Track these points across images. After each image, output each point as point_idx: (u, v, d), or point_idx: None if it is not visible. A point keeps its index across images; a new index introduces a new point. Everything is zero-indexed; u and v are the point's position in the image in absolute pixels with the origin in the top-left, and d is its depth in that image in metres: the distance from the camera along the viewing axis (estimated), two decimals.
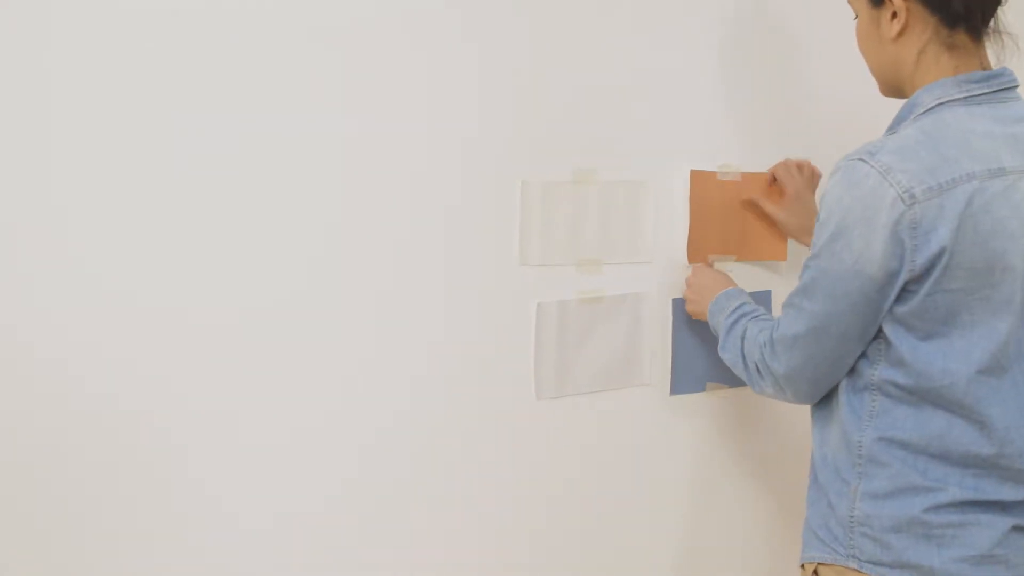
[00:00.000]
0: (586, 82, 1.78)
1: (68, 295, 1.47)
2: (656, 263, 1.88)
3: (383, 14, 1.62)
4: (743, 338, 1.61)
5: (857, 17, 1.52)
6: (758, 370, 1.56)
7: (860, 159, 1.38)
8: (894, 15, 1.44)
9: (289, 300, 1.60)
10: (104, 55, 1.46)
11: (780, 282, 2.00)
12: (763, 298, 1.98)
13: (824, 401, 1.53)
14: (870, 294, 1.39)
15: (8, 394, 1.46)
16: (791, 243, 1.98)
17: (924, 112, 1.43)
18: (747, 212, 1.94)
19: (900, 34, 1.45)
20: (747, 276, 1.96)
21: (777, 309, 1.99)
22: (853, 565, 1.44)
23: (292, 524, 1.63)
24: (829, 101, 2.01)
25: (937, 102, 1.42)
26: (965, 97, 1.42)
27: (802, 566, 1.54)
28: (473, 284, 1.73)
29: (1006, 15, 1.47)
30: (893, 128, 1.47)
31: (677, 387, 1.93)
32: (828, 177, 1.45)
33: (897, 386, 1.42)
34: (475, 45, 1.69)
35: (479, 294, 1.73)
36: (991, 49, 1.47)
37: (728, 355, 1.65)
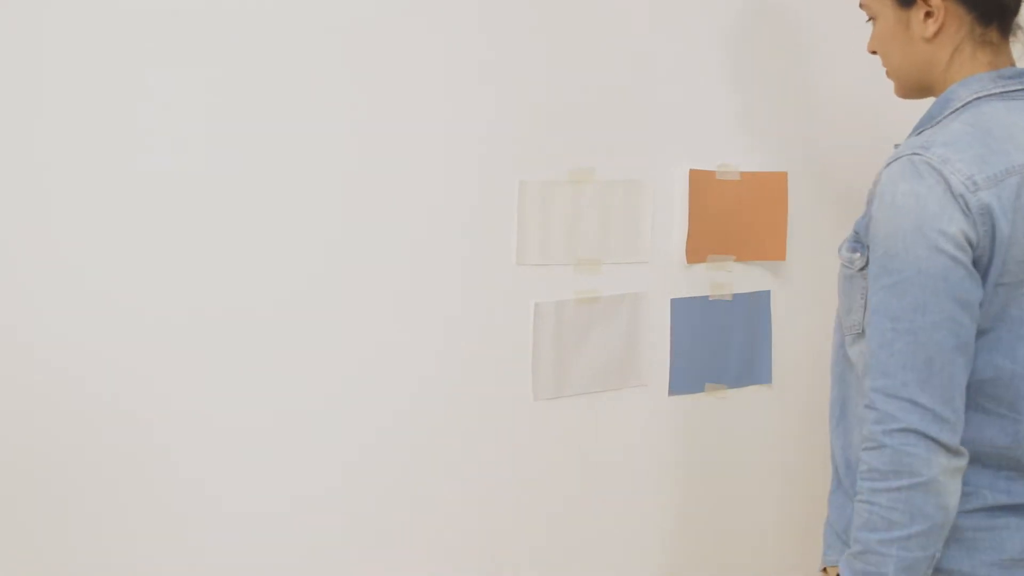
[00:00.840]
0: (585, 82, 1.78)
1: (68, 296, 1.47)
2: (654, 263, 1.88)
3: (383, 14, 1.62)
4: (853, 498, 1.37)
5: (876, 19, 1.49)
6: (877, 445, 1.28)
7: (914, 154, 1.34)
8: (927, 15, 1.42)
9: (288, 301, 1.60)
10: (104, 55, 1.46)
11: (779, 282, 2.00)
12: (762, 298, 1.98)
13: (847, 404, 1.49)
14: (968, 265, 1.30)
15: (7, 394, 1.46)
16: (790, 243, 1.97)
17: (962, 107, 1.41)
18: (746, 212, 1.94)
19: (936, 33, 1.44)
20: (746, 276, 1.96)
21: (777, 308, 1.99)
22: None
23: (291, 524, 1.63)
24: (829, 100, 2.00)
25: (975, 96, 1.40)
26: (1001, 92, 1.40)
27: (824, 569, 1.52)
28: (470, 284, 1.73)
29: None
30: (925, 124, 1.45)
31: (675, 387, 1.92)
32: (877, 184, 1.36)
33: None
34: (474, 45, 1.69)
35: (476, 294, 1.73)
36: (1013, 45, 1.46)
37: (860, 528, 1.31)
